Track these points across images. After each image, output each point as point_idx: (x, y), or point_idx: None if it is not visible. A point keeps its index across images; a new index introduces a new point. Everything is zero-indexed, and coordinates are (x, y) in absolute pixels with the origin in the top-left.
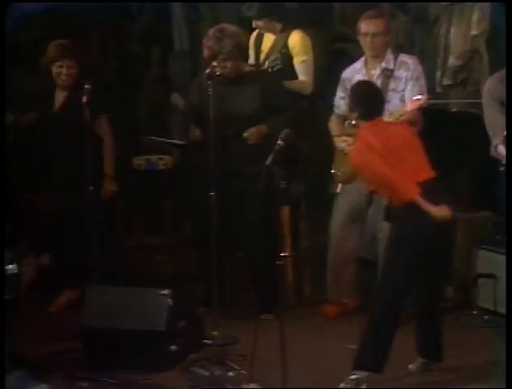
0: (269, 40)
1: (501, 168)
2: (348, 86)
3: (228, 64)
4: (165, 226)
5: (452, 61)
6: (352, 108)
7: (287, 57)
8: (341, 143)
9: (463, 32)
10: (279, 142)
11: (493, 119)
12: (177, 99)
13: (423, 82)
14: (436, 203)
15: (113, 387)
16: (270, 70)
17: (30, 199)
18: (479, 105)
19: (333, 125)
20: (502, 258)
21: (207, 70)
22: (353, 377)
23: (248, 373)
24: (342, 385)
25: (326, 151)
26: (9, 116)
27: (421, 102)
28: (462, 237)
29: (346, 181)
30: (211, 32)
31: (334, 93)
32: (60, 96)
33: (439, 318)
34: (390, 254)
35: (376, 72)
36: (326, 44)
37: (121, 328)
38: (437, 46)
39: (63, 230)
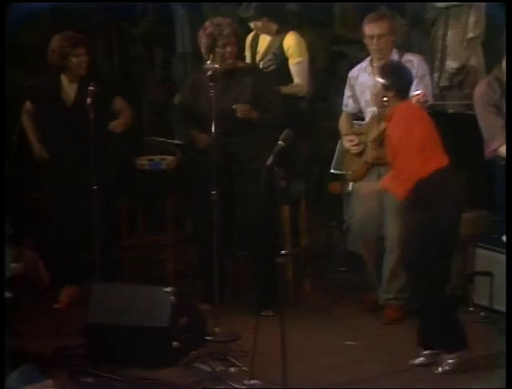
0: (265, 41)
1: (502, 163)
2: (354, 84)
3: (228, 48)
4: (168, 225)
5: (449, 63)
6: (387, 87)
7: (281, 58)
8: (347, 142)
9: (460, 34)
10: (279, 142)
11: (491, 123)
12: (179, 100)
13: (428, 80)
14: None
15: (117, 383)
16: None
17: (33, 197)
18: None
19: (342, 123)
20: (498, 256)
21: (209, 72)
22: (449, 361)
23: (249, 369)
24: (417, 360)
25: (326, 151)
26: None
27: (419, 97)
28: (459, 236)
29: (356, 180)
30: (208, 23)
31: (333, 94)
32: (70, 90)
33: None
34: (415, 239)
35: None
36: (326, 46)
37: (125, 325)
38: (435, 48)
39: (65, 228)
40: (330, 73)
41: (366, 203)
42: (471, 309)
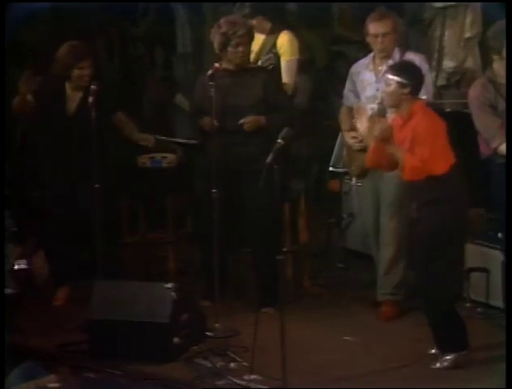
0: (258, 40)
1: (496, 169)
2: (356, 79)
3: (240, 48)
4: (169, 222)
5: (446, 62)
6: (403, 84)
7: (278, 58)
8: (350, 139)
9: (457, 34)
10: (279, 140)
11: (489, 122)
12: (180, 99)
13: (429, 79)
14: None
15: (119, 378)
16: None
17: (36, 196)
18: None
19: (343, 117)
20: (494, 253)
21: (210, 71)
22: (447, 357)
23: (249, 364)
24: (438, 364)
25: (325, 150)
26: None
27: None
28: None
29: (360, 176)
30: (222, 20)
31: (333, 93)
32: (75, 98)
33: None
34: (425, 241)
35: (383, 68)
36: (326, 45)
37: (127, 321)
38: (432, 48)
39: (67, 227)
40: (329, 72)
41: (370, 200)
42: (468, 305)
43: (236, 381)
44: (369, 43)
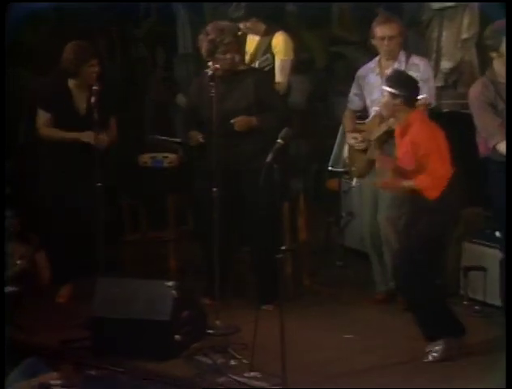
0: (253, 41)
1: (493, 167)
2: (362, 83)
3: (228, 56)
4: (170, 221)
5: (444, 63)
6: (394, 95)
7: (273, 58)
8: (351, 139)
9: (454, 35)
10: (278, 140)
11: (488, 121)
12: (181, 99)
13: (432, 83)
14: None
15: (120, 375)
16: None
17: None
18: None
19: (346, 120)
20: (492, 251)
21: (210, 72)
22: (436, 348)
23: (249, 361)
24: (430, 357)
25: (324, 149)
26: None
27: (424, 101)
28: (454, 232)
29: (361, 176)
30: (210, 26)
31: (332, 93)
32: (82, 97)
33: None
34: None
35: (388, 72)
36: (325, 46)
37: (128, 318)
38: (430, 49)
39: (68, 226)
40: (328, 73)
41: (369, 200)
42: (466, 302)
43: (237, 378)
44: (375, 46)
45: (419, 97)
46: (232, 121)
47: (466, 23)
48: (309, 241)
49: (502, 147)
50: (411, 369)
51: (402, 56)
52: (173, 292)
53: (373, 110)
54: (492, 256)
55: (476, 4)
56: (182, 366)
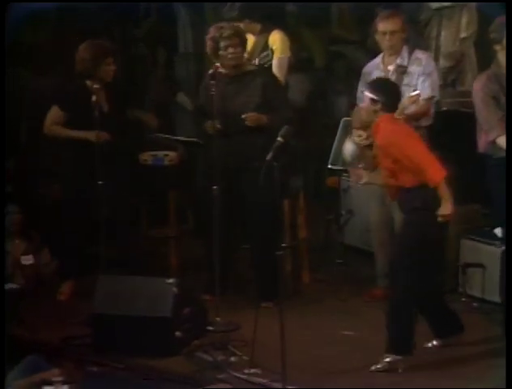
0: (250, 40)
1: (492, 162)
2: (368, 79)
3: (230, 50)
4: (170, 219)
5: (442, 62)
6: (373, 100)
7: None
8: (356, 137)
9: (453, 34)
10: (278, 138)
11: (490, 114)
12: (182, 98)
13: (435, 77)
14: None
15: (121, 372)
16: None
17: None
18: (468, 104)
19: (354, 116)
20: (490, 248)
21: (210, 71)
22: (386, 360)
23: (249, 358)
24: (373, 367)
25: (324, 147)
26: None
27: (415, 98)
28: (453, 229)
29: (370, 171)
30: (211, 28)
31: (331, 92)
32: (100, 95)
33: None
34: (404, 242)
35: (392, 68)
36: (324, 45)
37: (129, 315)
38: (429, 48)
39: (72, 222)
40: (328, 72)
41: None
42: (464, 299)
43: (237, 374)
44: (377, 41)
45: (412, 94)
46: (243, 116)
47: (464, 22)
48: (308, 239)
49: (502, 140)
50: (411, 366)
51: (405, 51)
52: (174, 289)
53: None
54: (491, 253)
55: (474, 3)
56: (183, 363)
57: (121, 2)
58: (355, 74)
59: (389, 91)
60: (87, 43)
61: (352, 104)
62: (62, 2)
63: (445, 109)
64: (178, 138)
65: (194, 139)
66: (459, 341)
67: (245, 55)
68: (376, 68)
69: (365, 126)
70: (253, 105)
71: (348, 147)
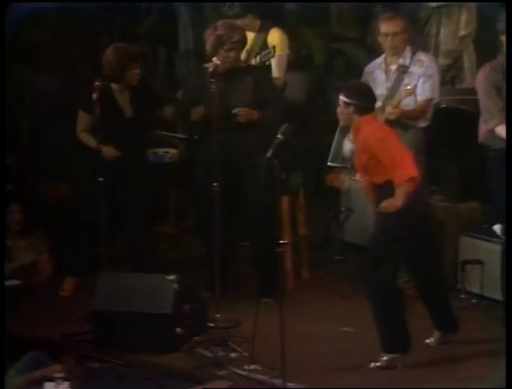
0: (249, 38)
1: (491, 153)
2: (369, 79)
3: (232, 54)
4: (171, 216)
5: (442, 60)
6: (346, 103)
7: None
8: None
9: (452, 32)
10: (278, 135)
11: (490, 103)
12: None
13: (436, 80)
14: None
15: (122, 368)
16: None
17: (44, 190)
18: (467, 102)
19: None
20: (488, 245)
21: (211, 68)
22: (384, 358)
23: (249, 354)
24: (372, 364)
25: (324, 145)
26: None
27: (409, 92)
28: (452, 226)
29: None
30: (220, 22)
31: (331, 90)
32: (124, 99)
33: (444, 292)
34: (379, 236)
35: (393, 68)
36: (324, 43)
37: (130, 311)
38: (428, 46)
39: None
40: (327, 69)
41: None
42: (463, 296)
43: (237, 371)
44: (380, 42)
45: (408, 87)
46: (234, 110)
47: (463, 21)
48: (308, 236)
49: (501, 129)
50: (411, 362)
51: (407, 52)
52: (174, 285)
53: (377, 105)
54: (489, 250)
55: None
56: (183, 359)
57: (123, 1)
58: (354, 71)
59: (362, 95)
60: (113, 46)
61: None
62: (64, 1)
63: (444, 106)
64: (178, 135)
65: (195, 136)
66: (457, 338)
67: (243, 53)
68: (378, 68)
69: (349, 127)
70: (245, 101)
71: (347, 145)
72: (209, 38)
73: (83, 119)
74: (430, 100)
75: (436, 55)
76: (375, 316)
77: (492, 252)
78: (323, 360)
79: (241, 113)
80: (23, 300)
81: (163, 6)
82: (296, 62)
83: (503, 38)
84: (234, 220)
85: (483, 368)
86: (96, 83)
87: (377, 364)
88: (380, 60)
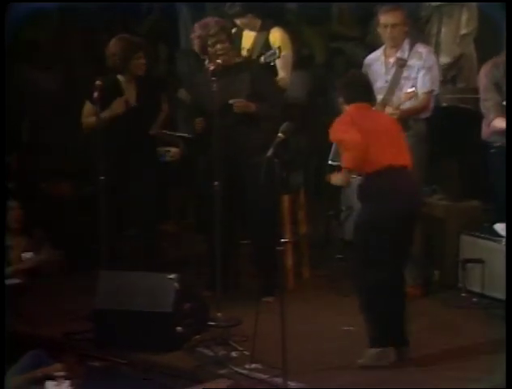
0: (249, 37)
1: (492, 150)
2: (368, 71)
3: (218, 46)
4: (172, 214)
5: (442, 59)
6: (338, 94)
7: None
8: None
9: (453, 31)
10: (279, 134)
11: (489, 98)
12: (183, 94)
13: (435, 71)
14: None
15: (123, 367)
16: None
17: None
18: (468, 100)
19: None
20: (489, 244)
21: (211, 67)
22: (372, 351)
23: (250, 353)
24: (360, 361)
25: (324, 144)
26: None
27: (411, 94)
28: (452, 224)
29: None
30: (195, 25)
31: (331, 88)
32: (131, 89)
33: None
34: (362, 234)
35: (392, 60)
36: (325, 42)
37: (131, 310)
38: (429, 45)
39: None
40: (328, 68)
41: None
42: (464, 294)
43: (238, 370)
44: (379, 33)
45: (410, 90)
46: (231, 101)
47: (464, 19)
48: (309, 235)
49: (499, 122)
50: (411, 361)
51: (406, 44)
52: (175, 284)
53: (378, 98)
54: (490, 249)
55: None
56: (184, 358)
57: (123, 1)
58: (355, 69)
59: (347, 85)
60: (116, 38)
61: None
62: (62, 1)
63: (445, 105)
64: (180, 134)
65: (189, 135)
66: (457, 338)
67: (244, 52)
68: (377, 60)
69: None
70: (242, 95)
71: None
72: (194, 42)
73: (87, 108)
74: (431, 91)
75: (437, 54)
76: (365, 311)
77: (493, 251)
78: (324, 358)
79: (238, 103)
80: (24, 299)
81: (164, 6)
82: (296, 61)
83: None
84: (235, 219)
85: (483, 368)
86: (98, 83)
87: (361, 360)
88: (379, 52)
